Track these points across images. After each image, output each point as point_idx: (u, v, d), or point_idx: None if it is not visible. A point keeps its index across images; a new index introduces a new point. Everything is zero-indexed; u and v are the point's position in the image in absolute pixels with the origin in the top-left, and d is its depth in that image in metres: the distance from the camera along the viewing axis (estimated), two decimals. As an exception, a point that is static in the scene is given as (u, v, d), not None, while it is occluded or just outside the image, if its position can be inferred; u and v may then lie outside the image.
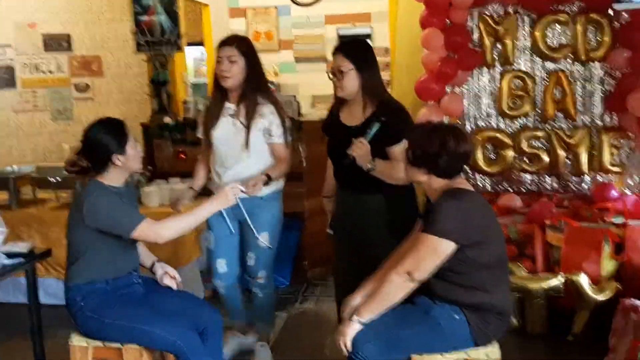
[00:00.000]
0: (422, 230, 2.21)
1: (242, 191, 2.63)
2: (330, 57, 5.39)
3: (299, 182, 4.45)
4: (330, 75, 2.73)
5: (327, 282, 4.55)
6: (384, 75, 6.06)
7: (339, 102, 2.83)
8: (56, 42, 6.34)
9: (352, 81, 2.66)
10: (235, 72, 2.86)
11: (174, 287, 2.62)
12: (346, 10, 6.04)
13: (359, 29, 6.02)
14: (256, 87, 2.93)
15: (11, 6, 6.10)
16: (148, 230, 2.40)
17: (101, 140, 2.47)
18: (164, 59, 4.56)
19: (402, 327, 2.21)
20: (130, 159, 2.49)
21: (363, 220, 2.78)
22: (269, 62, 6.18)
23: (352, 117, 2.75)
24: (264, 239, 3.06)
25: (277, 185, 3.12)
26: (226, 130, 2.96)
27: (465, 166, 2.32)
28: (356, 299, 2.40)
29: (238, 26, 6.27)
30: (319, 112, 4.81)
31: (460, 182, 2.30)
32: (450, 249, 2.16)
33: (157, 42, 4.62)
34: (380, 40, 6.07)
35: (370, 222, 2.77)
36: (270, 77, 6.09)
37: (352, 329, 2.19)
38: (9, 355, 3.40)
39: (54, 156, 6.31)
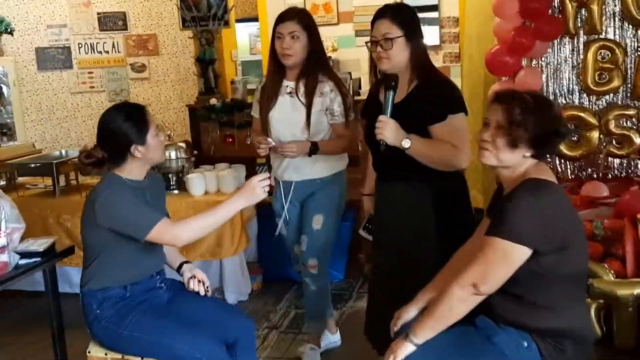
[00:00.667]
0: (491, 232, 1.79)
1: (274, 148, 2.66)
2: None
3: (354, 168, 4.05)
4: (371, 46, 2.37)
5: (385, 277, 4.19)
6: (453, 48, 5.64)
7: (380, 81, 2.47)
8: (111, 21, 6.20)
9: (401, 51, 2.31)
10: (297, 49, 2.68)
11: (202, 292, 2.33)
12: (411, -22, 5.54)
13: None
14: (317, 64, 2.74)
15: (63, -16, 5.99)
16: (164, 232, 2.11)
17: (119, 129, 2.20)
18: (211, 36, 4.26)
19: (461, 355, 1.83)
20: (151, 149, 2.21)
21: (406, 216, 2.41)
22: (327, 36, 5.78)
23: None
24: (317, 221, 2.88)
25: (338, 166, 2.95)
26: (284, 110, 2.78)
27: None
28: (410, 311, 2.07)
29: (295, -1, 5.91)
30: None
31: (544, 169, 1.88)
32: (525, 256, 1.75)
33: (203, 17, 4.33)
34: (448, 9, 5.57)
35: (415, 218, 2.40)
36: (327, 52, 5.70)
37: (405, 349, 1.85)
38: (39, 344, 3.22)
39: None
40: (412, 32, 2.33)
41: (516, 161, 1.87)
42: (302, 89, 2.73)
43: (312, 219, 2.87)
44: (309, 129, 2.76)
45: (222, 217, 2.17)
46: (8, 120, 5.61)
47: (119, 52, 6.26)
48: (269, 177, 2.22)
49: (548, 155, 2.11)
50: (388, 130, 2.22)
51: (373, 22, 2.38)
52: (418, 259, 2.33)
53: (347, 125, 2.82)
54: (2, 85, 5.60)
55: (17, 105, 5.59)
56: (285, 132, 2.79)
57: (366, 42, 2.42)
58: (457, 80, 5.40)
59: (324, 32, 5.87)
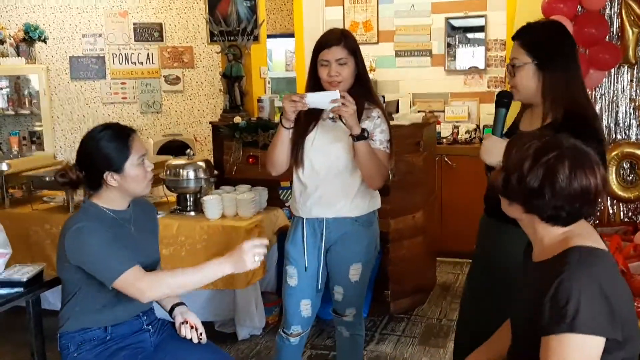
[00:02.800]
0: (554, 329, 1.41)
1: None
2: (437, 50, 4.62)
3: (384, 198, 3.77)
4: (508, 73, 2.10)
5: (413, 319, 3.86)
6: (499, 72, 5.30)
7: (525, 107, 2.19)
8: (147, 32, 6.09)
9: (527, 79, 2.01)
10: (346, 76, 2.39)
11: (195, 340, 2.06)
12: (457, -4, 5.26)
13: (472, 19, 5.21)
14: (364, 89, 2.47)
15: (102, -7, 5.91)
16: (130, 285, 1.86)
17: (96, 152, 1.99)
18: (239, 51, 4.04)
19: None
20: (128, 180, 1.98)
21: (503, 255, 2.11)
22: (366, 55, 5.51)
23: (532, 121, 2.10)
24: (355, 271, 2.54)
25: (374, 204, 2.64)
26: (325, 135, 2.47)
27: (591, 208, 1.53)
28: None
29: (334, 15, 5.66)
30: (414, 115, 4.09)
31: (584, 234, 1.54)
32: (602, 349, 1.41)
33: (232, 32, 4.11)
34: (495, 32, 5.22)
35: (511, 259, 2.01)
36: (366, 72, 5.44)
37: None
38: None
39: (140, 151, 6.10)
40: (548, 58, 2.00)
41: (523, 220, 1.57)
42: None
43: (350, 268, 2.53)
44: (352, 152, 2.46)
45: (203, 278, 1.89)
46: (37, 129, 5.52)
47: (153, 63, 6.15)
48: (266, 245, 1.95)
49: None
50: (485, 147, 1.97)
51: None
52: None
53: (390, 156, 2.52)
54: (33, 93, 5.53)
55: (46, 114, 5.50)
56: (320, 159, 2.49)
57: (506, 65, 2.24)
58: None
59: (363, 50, 5.67)
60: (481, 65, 5.25)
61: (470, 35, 5.33)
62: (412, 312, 3.94)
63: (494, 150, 1.91)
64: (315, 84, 2.42)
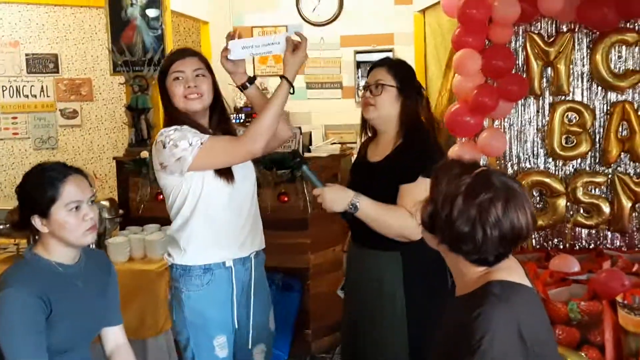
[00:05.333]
0: (465, 357, 1.34)
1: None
2: (347, 82, 4.65)
3: (302, 232, 3.70)
4: (362, 92, 2.32)
5: (335, 358, 3.72)
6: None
7: (371, 137, 2.37)
8: (41, 63, 5.70)
9: (390, 101, 2.20)
10: (206, 90, 2.14)
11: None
12: (365, 30, 5.32)
13: (379, 53, 5.28)
14: (224, 112, 2.28)
15: (-10, 22, 5.47)
16: None
17: (24, 191, 1.81)
18: (145, 82, 3.82)
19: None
20: (57, 227, 1.77)
21: (375, 283, 2.19)
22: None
23: (378, 151, 2.24)
24: (271, 320, 2.41)
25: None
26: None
27: (519, 245, 1.48)
28: None
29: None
30: (331, 147, 4.03)
31: (508, 268, 1.47)
32: None
33: (137, 62, 3.90)
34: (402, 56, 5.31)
35: (383, 287, 2.17)
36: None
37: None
38: None
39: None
40: (408, 87, 2.24)
41: (443, 253, 1.51)
42: None
43: (268, 319, 2.36)
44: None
45: None
46: None
47: (48, 96, 5.75)
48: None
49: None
50: (328, 199, 2.05)
51: (369, 72, 2.32)
52: (380, 339, 2.17)
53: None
54: None
55: None
56: (248, 191, 2.33)
57: (361, 88, 2.47)
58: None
59: (273, 83, 5.62)
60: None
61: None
62: (334, 350, 3.81)
63: (339, 200, 2.03)
64: (172, 112, 2.10)
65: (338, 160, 3.91)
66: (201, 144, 1.99)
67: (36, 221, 1.76)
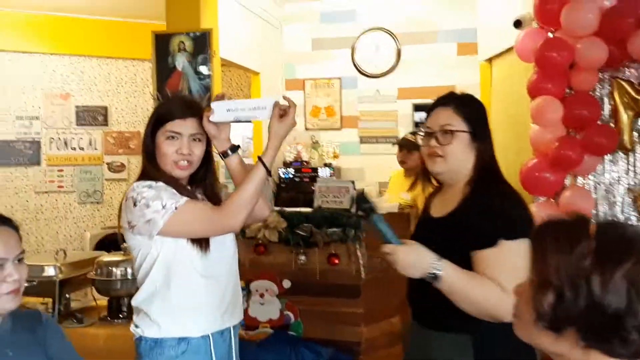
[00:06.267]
0: None
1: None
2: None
3: (354, 300, 3.26)
4: (423, 140, 1.80)
5: None
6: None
7: (437, 189, 1.92)
8: (91, 116, 5.60)
9: (463, 149, 1.73)
10: (198, 156, 1.87)
11: None
12: (425, 82, 4.99)
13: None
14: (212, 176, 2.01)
15: (40, 74, 5.42)
16: None
17: None
18: (190, 133, 3.55)
19: None
20: None
21: None
22: (328, 141, 5.16)
23: (443, 205, 1.81)
24: None
25: None
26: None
27: None
28: None
29: (293, 99, 5.28)
30: (388, 205, 3.64)
31: None
32: None
33: (182, 110, 3.65)
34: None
35: None
36: (329, 158, 5.04)
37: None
38: None
39: (75, 245, 5.45)
40: (482, 130, 1.76)
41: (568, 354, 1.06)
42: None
43: None
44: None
45: None
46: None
47: (95, 149, 5.62)
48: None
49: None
50: (402, 261, 1.60)
51: (429, 112, 1.82)
52: None
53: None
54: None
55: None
56: (228, 267, 2.05)
57: (416, 132, 1.96)
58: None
59: (325, 137, 5.33)
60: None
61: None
62: None
63: (416, 264, 1.60)
64: (153, 167, 1.87)
65: (396, 220, 3.51)
66: (175, 208, 1.76)
67: None
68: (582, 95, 3.11)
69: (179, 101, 1.93)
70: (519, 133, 3.60)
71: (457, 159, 1.73)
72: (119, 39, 5.44)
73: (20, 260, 1.49)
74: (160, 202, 1.75)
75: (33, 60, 5.38)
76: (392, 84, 5.13)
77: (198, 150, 1.83)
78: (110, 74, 5.63)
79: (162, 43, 3.71)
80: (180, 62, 3.65)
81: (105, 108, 5.64)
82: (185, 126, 1.81)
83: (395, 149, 4.03)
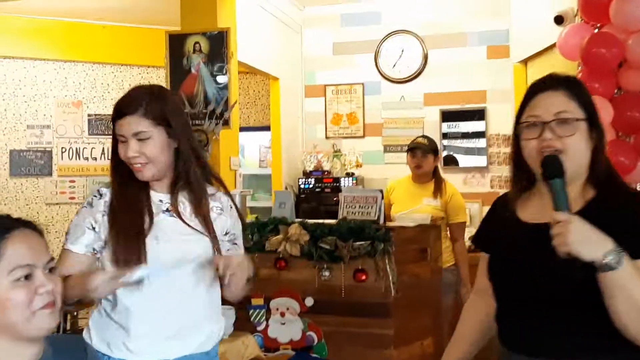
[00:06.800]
0: None
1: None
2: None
3: (383, 320, 3.00)
4: (529, 131, 1.43)
5: None
6: (503, 171, 4.72)
7: (519, 190, 1.52)
8: (104, 124, 5.42)
9: (583, 140, 1.42)
10: (153, 154, 1.66)
11: None
12: (453, 87, 4.75)
13: (470, 113, 4.69)
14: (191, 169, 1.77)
15: (52, 82, 5.25)
16: None
17: None
18: (205, 137, 3.34)
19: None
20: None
21: None
22: (351, 149, 4.91)
23: (543, 209, 1.45)
24: None
25: (220, 332, 1.82)
26: (168, 238, 1.68)
27: None
28: None
29: (314, 107, 5.10)
30: (420, 216, 3.38)
31: None
32: None
33: (197, 114, 3.44)
34: (497, 126, 4.68)
35: None
36: (351, 168, 4.78)
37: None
38: None
39: (86, 259, 5.23)
40: (596, 115, 1.45)
41: None
42: (186, 205, 1.74)
43: None
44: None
45: None
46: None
47: (108, 159, 5.40)
48: None
49: None
50: (575, 233, 1.26)
51: (530, 98, 1.47)
52: None
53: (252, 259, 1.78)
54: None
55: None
56: (171, 281, 1.70)
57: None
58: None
59: (347, 145, 5.09)
60: (483, 163, 4.66)
61: (467, 130, 4.77)
62: None
63: (592, 241, 1.26)
64: (118, 163, 1.71)
65: (428, 232, 3.24)
66: (63, 248, 1.67)
67: None
68: (632, 96, 2.84)
69: (118, 100, 1.70)
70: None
71: (580, 152, 1.42)
72: (132, 45, 5.28)
73: (51, 270, 1.24)
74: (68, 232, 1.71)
75: (46, 68, 5.22)
76: (418, 89, 4.88)
77: (148, 149, 1.63)
78: (123, 81, 5.45)
79: (176, 44, 3.51)
80: (196, 63, 3.43)
81: (119, 116, 5.45)
82: (124, 127, 1.64)
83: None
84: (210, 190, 1.76)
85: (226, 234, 1.75)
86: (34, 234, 1.25)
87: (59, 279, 1.25)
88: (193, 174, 1.70)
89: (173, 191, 1.71)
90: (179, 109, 1.76)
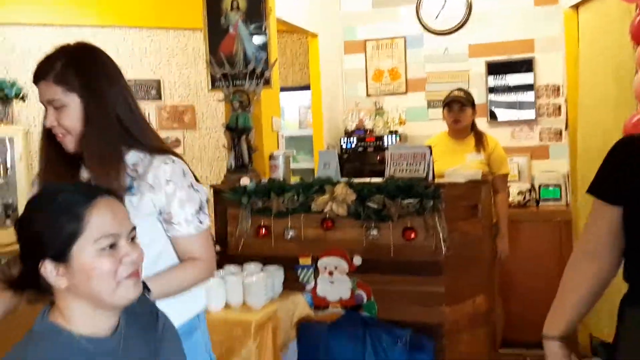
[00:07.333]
0: None
1: None
2: (476, 98, 3.84)
3: (435, 278, 2.96)
4: None
5: None
6: (553, 123, 4.55)
7: None
8: (143, 90, 5.41)
9: None
10: (70, 125, 1.54)
11: None
12: (499, 37, 4.54)
13: (517, 63, 4.50)
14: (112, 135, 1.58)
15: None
16: None
17: (26, 231, 1.21)
18: (246, 98, 3.27)
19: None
20: (79, 276, 1.16)
21: None
22: (394, 106, 4.79)
23: None
24: None
25: (192, 309, 1.69)
26: None
27: None
28: None
29: (354, 64, 4.97)
30: (470, 172, 3.28)
31: None
32: None
33: (237, 75, 3.37)
34: (545, 76, 4.49)
35: None
36: (395, 125, 4.68)
37: None
38: None
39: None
40: None
41: None
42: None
43: None
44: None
45: None
46: (10, 201, 4.73)
47: (150, 124, 5.42)
48: None
49: None
50: None
51: None
52: None
53: (204, 236, 1.64)
54: (8, 160, 4.77)
55: (22, 184, 4.73)
56: None
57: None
58: (562, 163, 4.28)
59: (390, 102, 4.96)
60: (531, 116, 4.49)
61: (515, 81, 4.58)
62: None
63: None
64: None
65: (479, 188, 3.14)
66: None
67: (48, 270, 1.16)
68: (699, 36, 2.65)
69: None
70: (620, 86, 3.16)
71: None
72: (167, 8, 5.21)
73: (132, 239, 1.22)
74: None
75: (83, 34, 5.20)
76: (463, 41, 4.69)
77: (63, 118, 1.51)
78: (160, 45, 5.41)
79: (213, 2, 3.43)
80: (234, 21, 3.35)
81: (158, 81, 5.43)
82: (40, 93, 1.54)
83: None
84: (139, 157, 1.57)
85: (160, 213, 1.59)
86: (116, 202, 1.23)
87: (141, 248, 1.23)
88: (92, 142, 1.52)
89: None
90: (107, 72, 1.61)
